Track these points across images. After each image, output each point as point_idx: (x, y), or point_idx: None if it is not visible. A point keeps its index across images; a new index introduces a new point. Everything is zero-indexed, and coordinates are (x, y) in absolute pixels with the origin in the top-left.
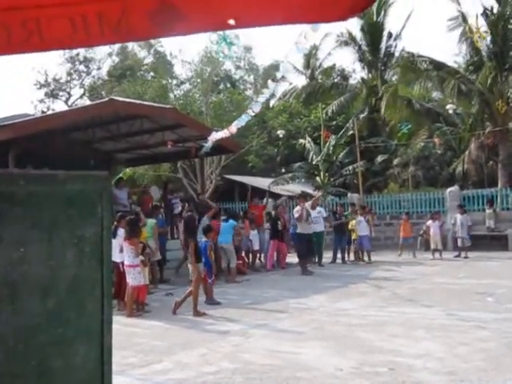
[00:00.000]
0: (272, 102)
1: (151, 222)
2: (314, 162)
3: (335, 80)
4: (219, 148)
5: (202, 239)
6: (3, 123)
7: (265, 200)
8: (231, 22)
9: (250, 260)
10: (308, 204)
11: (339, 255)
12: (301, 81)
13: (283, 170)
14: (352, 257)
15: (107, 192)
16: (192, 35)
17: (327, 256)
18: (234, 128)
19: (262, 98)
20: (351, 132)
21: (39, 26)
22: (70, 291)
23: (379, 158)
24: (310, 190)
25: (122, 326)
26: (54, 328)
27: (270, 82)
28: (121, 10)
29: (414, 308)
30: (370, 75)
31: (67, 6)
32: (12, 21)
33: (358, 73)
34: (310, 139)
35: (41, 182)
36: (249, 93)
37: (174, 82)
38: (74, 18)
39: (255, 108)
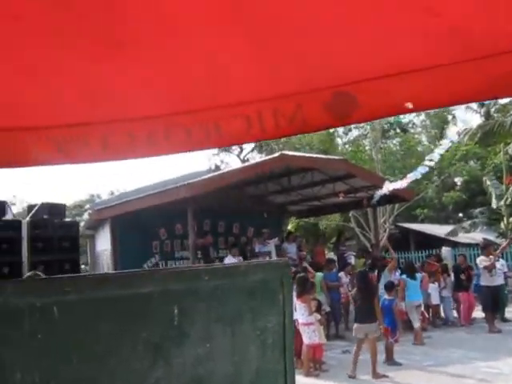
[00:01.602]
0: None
1: (319, 275)
2: (495, 207)
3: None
4: (392, 196)
5: (383, 296)
6: (183, 183)
7: (443, 250)
8: (409, 105)
9: (430, 315)
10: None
11: None
12: (475, 120)
13: (461, 216)
14: None
15: (288, 279)
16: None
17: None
18: (408, 180)
19: (439, 150)
20: None
21: (217, 125)
22: None
23: None
24: (491, 238)
25: None
26: None
27: (450, 134)
28: (296, 104)
29: None
30: None
31: (243, 105)
32: (192, 122)
33: None
34: (489, 182)
35: (223, 276)
36: (420, 136)
37: (341, 129)
38: (250, 115)
39: (432, 159)
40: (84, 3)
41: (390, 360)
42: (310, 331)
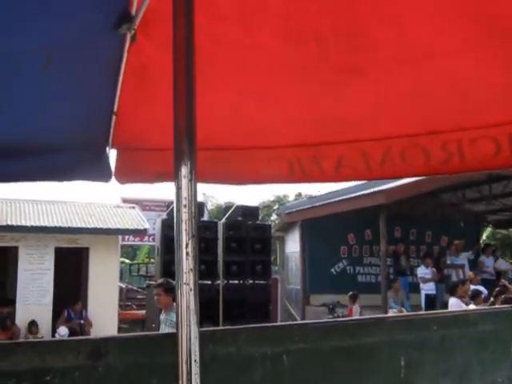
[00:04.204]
0: None
1: None
2: None
3: None
4: None
5: None
6: (375, 189)
7: None
8: None
9: None
10: None
11: None
12: None
13: None
14: None
15: None
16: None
17: None
18: None
19: None
20: None
21: (461, 148)
22: None
23: None
24: None
25: None
26: None
27: None
28: None
29: None
30: None
31: (492, 127)
32: (432, 144)
33: None
34: None
35: (452, 325)
36: None
37: None
38: (499, 138)
39: None
40: (329, 38)
41: None
42: None
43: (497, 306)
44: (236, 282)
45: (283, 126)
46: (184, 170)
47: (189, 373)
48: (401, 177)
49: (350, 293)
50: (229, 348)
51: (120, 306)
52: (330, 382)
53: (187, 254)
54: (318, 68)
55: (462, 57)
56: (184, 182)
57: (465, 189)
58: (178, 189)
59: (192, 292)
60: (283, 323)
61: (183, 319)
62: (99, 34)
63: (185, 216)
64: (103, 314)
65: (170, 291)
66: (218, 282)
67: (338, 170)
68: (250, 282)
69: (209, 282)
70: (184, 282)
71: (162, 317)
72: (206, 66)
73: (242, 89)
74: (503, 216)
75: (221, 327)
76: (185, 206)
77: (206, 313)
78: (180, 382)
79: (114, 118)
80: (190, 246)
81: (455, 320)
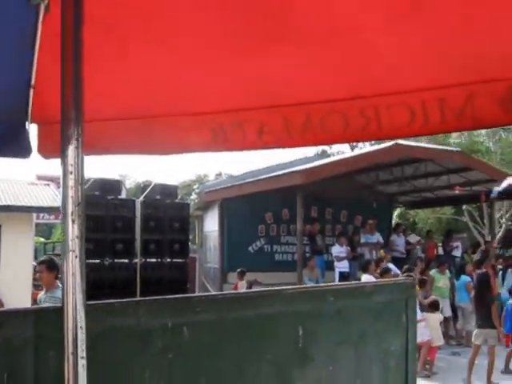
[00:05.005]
0: None
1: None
2: None
3: None
4: None
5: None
6: (294, 169)
7: None
8: None
9: None
10: None
11: None
12: None
13: None
14: None
15: (413, 301)
16: None
17: None
18: None
19: None
20: None
21: (378, 114)
22: None
23: None
24: None
25: None
26: None
27: None
28: (466, 95)
29: None
30: None
31: (408, 93)
32: (350, 109)
33: None
34: None
35: (349, 296)
36: None
37: None
38: (414, 106)
39: None
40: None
41: (507, 369)
42: (419, 328)
43: (391, 279)
44: (154, 260)
45: (206, 92)
46: (70, 137)
47: (75, 340)
48: (321, 144)
49: (239, 269)
50: (128, 320)
51: (34, 286)
52: (231, 352)
53: (73, 221)
54: (240, 36)
55: (385, 30)
56: (70, 148)
57: (378, 171)
58: (64, 156)
59: (78, 259)
60: (185, 295)
61: (69, 286)
62: (12, 6)
63: (71, 182)
64: (16, 294)
65: (53, 269)
66: (136, 260)
67: (261, 136)
68: (168, 260)
69: (126, 261)
70: (70, 249)
71: (43, 296)
72: (120, 33)
73: (163, 57)
74: (413, 197)
75: (120, 299)
76: (71, 172)
77: (123, 291)
78: (66, 349)
79: (31, 91)
80: (75, 213)
81: (351, 292)
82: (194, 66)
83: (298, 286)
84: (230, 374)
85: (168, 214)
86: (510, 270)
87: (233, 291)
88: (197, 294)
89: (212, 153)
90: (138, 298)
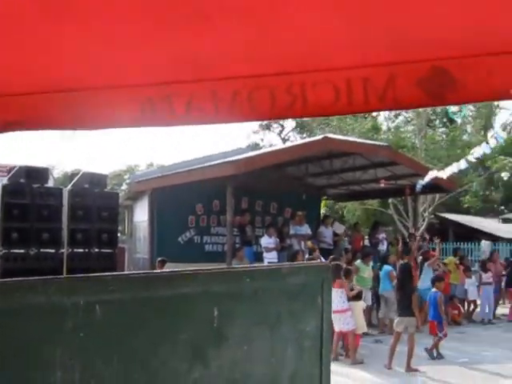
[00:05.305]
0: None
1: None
2: None
3: None
4: (435, 186)
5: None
6: (224, 160)
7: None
8: None
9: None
10: None
11: None
12: None
13: (503, 208)
14: None
15: (328, 283)
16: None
17: None
18: (448, 173)
19: (485, 148)
20: None
21: (304, 91)
22: None
23: None
24: None
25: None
26: None
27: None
28: (388, 75)
29: None
30: None
31: (333, 71)
32: (277, 85)
33: None
34: None
35: (265, 278)
36: (465, 127)
37: (387, 113)
38: (338, 84)
39: (475, 155)
40: None
41: (432, 352)
42: (345, 317)
43: (306, 262)
44: (81, 250)
45: (135, 66)
46: None
47: None
48: (247, 120)
49: (159, 258)
50: (38, 298)
51: None
52: (144, 331)
53: None
54: (163, 10)
55: (307, 5)
56: None
57: (308, 163)
58: None
59: None
60: (97, 274)
61: None
62: None
63: None
64: None
65: None
66: (62, 250)
67: (188, 111)
68: (96, 250)
69: (52, 251)
70: None
71: None
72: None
73: (82, 30)
74: (342, 190)
75: (30, 278)
76: None
77: None
78: None
79: None
80: None
81: (267, 273)
82: (114, 40)
83: (214, 268)
84: (144, 353)
85: (96, 203)
86: (426, 263)
87: (147, 271)
88: (112, 273)
89: (139, 128)
90: (49, 276)
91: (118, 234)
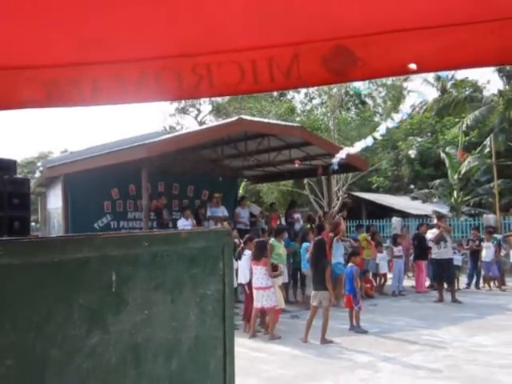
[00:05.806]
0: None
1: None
2: (450, 181)
3: (467, 92)
4: (347, 166)
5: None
6: (138, 143)
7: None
8: (412, 66)
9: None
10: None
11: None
12: (431, 93)
13: (412, 187)
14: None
15: (229, 247)
16: (367, 80)
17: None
18: (357, 149)
19: (389, 124)
20: (488, 150)
21: (210, 72)
22: (192, 352)
23: None
24: (444, 211)
25: (249, 351)
26: None
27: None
28: (292, 54)
29: None
30: (507, 87)
31: (237, 52)
32: (183, 67)
33: (492, 84)
34: (444, 155)
35: (164, 242)
36: (377, 109)
37: (302, 96)
38: (243, 64)
39: (380, 132)
40: None
41: (357, 327)
42: (269, 294)
43: (207, 227)
44: None
45: (38, 46)
46: None
47: None
48: (155, 100)
49: None
50: None
51: None
52: (39, 296)
53: None
54: None
55: None
56: None
57: (223, 145)
58: None
59: None
60: None
61: None
62: None
63: None
64: None
65: None
66: None
67: (95, 93)
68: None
69: None
70: None
71: None
72: None
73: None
74: (258, 171)
75: None
76: None
77: None
78: None
79: None
80: None
81: (167, 238)
82: (15, 19)
83: (111, 232)
84: (40, 319)
85: (6, 190)
86: (334, 238)
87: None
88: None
89: (47, 108)
90: None
91: (32, 223)
